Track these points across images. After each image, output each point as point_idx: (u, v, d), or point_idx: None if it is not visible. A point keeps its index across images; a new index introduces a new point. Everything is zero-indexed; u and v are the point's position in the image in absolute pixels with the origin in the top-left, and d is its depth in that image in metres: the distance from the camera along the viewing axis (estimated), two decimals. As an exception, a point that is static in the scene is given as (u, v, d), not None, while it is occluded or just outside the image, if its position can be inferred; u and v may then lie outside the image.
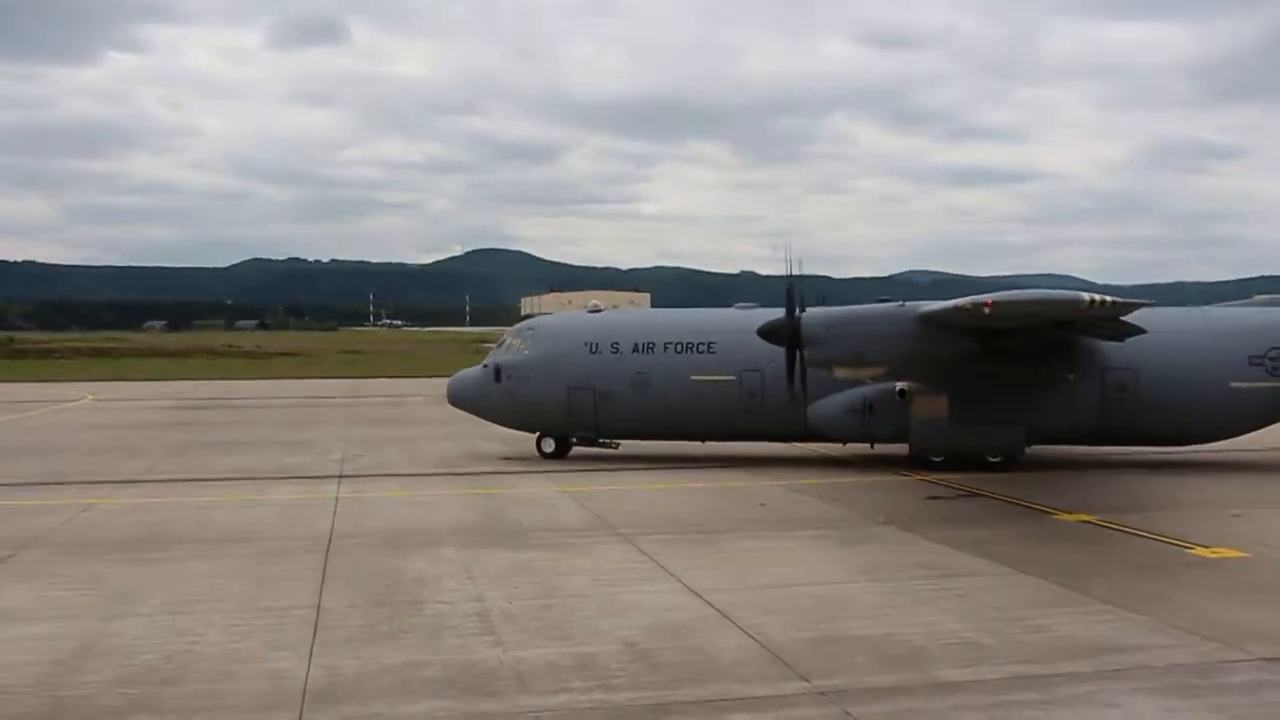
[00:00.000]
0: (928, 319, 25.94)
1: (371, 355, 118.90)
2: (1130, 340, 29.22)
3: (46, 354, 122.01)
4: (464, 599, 17.04)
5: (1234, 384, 30.60)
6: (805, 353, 26.74)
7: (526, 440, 35.30)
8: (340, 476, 30.77)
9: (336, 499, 26.97)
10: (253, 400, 60.43)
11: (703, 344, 32.56)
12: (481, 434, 38.69)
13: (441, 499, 27.15)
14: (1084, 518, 23.83)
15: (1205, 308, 33.87)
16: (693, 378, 31.85)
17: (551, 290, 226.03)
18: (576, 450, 34.54)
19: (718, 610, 16.27)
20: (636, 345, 33.39)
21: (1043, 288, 24.11)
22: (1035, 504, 25.57)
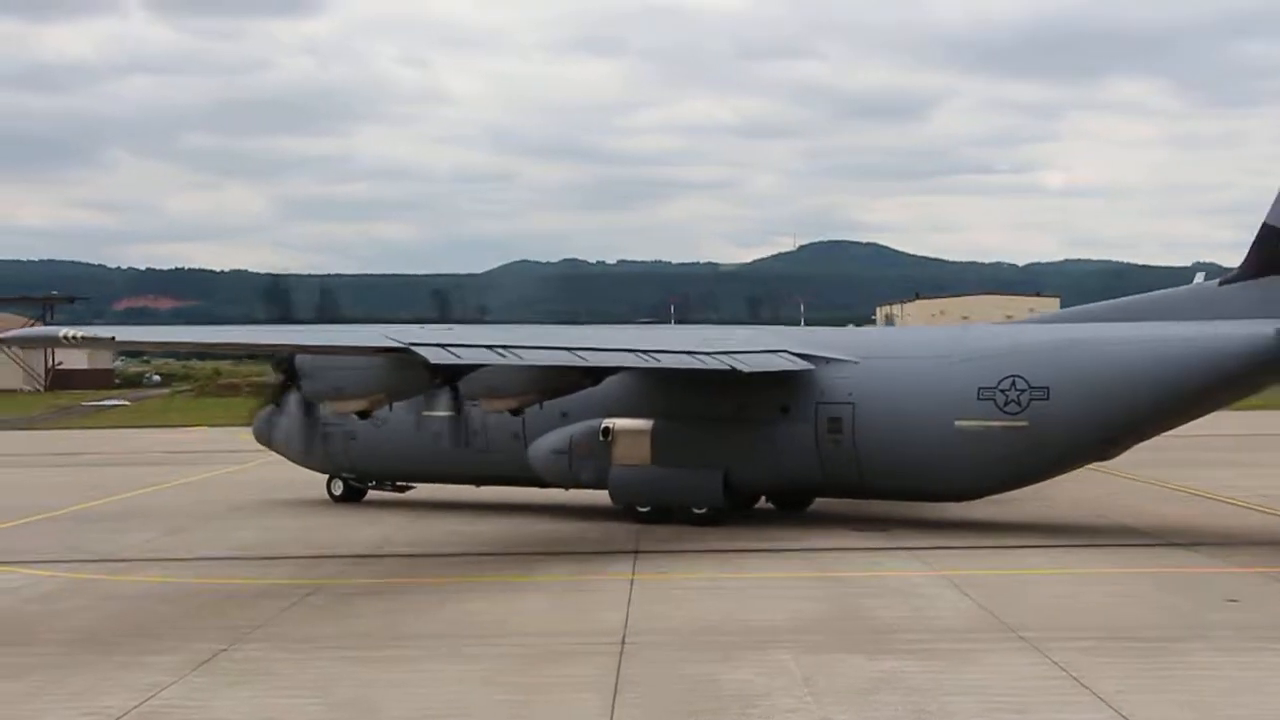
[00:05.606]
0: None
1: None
2: (847, 367, 34.47)
3: (262, 389, 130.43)
4: (804, 724, 16.90)
5: (961, 423, 32.96)
6: (301, 386, 33.04)
7: (869, 506, 36.31)
8: (635, 552, 31.40)
9: (631, 581, 27.52)
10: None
11: None
12: (824, 501, 38.65)
13: (772, 584, 27.33)
14: None
15: (935, 327, 35.61)
16: (424, 413, 35.42)
17: (918, 296, 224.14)
18: (858, 510, 36.21)
19: (1170, 752, 15.58)
20: None
21: None
22: None
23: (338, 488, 41.78)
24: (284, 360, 34.57)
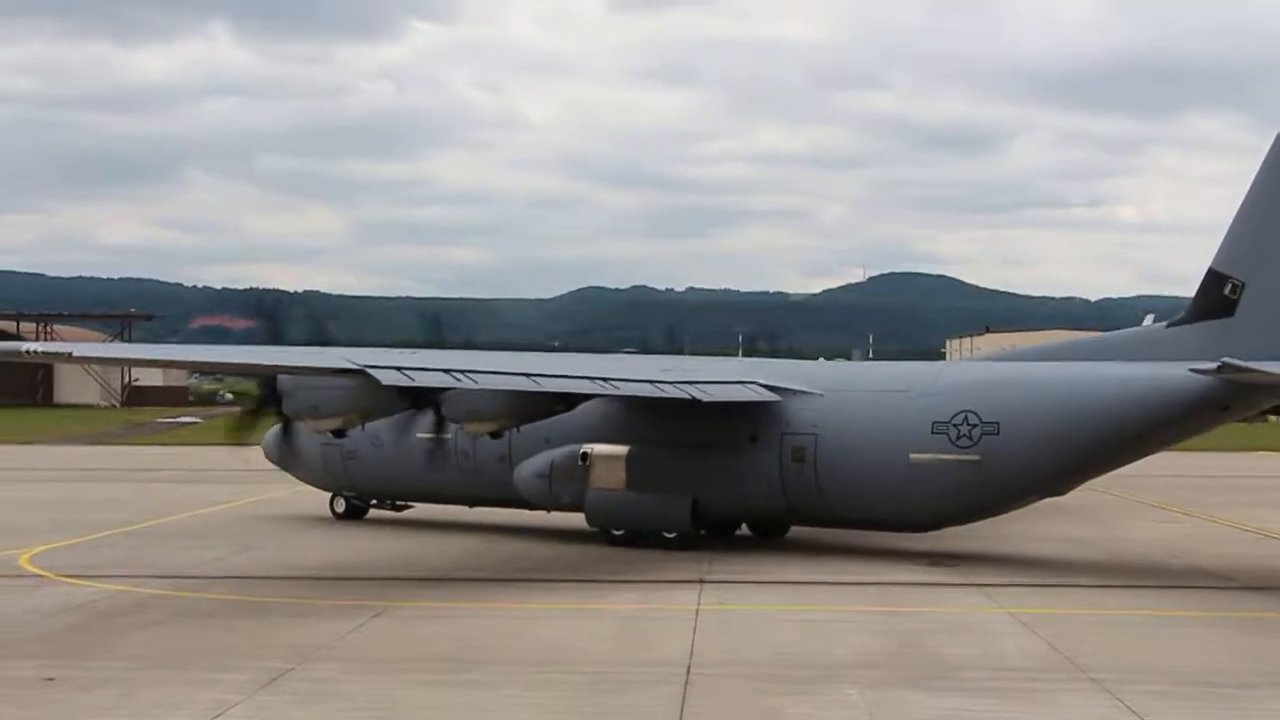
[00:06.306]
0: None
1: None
2: (813, 400, 35.60)
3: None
4: (871, 760, 16.80)
5: (915, 456, 33.89)
6: (283, 405, 34.93)
7: (931, 539, 36.21)
8: (701, 582, 31.29)
9: (696, 612, 27.41)
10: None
11: None
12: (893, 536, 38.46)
13: (839, 618, 27.12)
14: None
15: (899, 363, 40.65)
16: (418, 434, 37.31)
17: (988, 329, 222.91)
18: (925, 544, 36.01)
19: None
20: None
21: None
22: None
23: (340, 505, 43.24)
24: (268, 381, 35.74)
